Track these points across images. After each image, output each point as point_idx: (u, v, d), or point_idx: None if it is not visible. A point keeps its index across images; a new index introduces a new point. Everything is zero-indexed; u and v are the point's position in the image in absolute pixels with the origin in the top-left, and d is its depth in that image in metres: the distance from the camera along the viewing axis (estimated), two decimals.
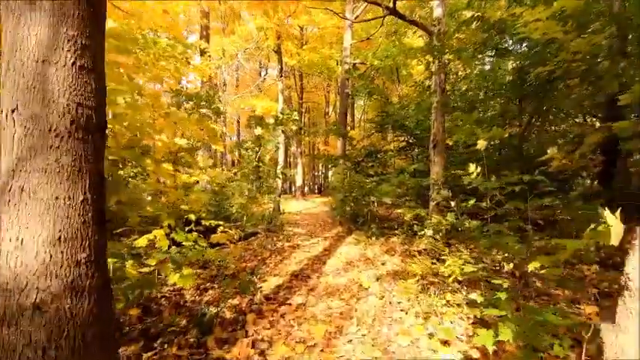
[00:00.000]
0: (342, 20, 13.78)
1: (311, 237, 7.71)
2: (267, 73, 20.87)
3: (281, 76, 11.65)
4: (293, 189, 22.58)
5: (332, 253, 5.90)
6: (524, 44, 6.50)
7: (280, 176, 11.60)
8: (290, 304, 3.49)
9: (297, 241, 7.17)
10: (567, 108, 5.81)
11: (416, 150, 8.06)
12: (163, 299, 3.81)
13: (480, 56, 6.47)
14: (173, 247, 3.40)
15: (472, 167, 4.02)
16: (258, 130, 4.53)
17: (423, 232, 4.71)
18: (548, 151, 4.52)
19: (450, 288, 3.35)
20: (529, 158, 5.60)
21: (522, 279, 3.59)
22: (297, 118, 4.90)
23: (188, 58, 11.37)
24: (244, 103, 14.89)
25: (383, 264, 4.86)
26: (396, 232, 7.59)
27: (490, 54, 6.60)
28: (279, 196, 11.80)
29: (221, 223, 4.34)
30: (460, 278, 3.15)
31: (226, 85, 14.71)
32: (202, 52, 13.19)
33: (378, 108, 13.96)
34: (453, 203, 4.37)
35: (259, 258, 5.64)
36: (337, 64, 16.61)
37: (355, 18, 11.18)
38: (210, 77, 13.81)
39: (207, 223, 4.28)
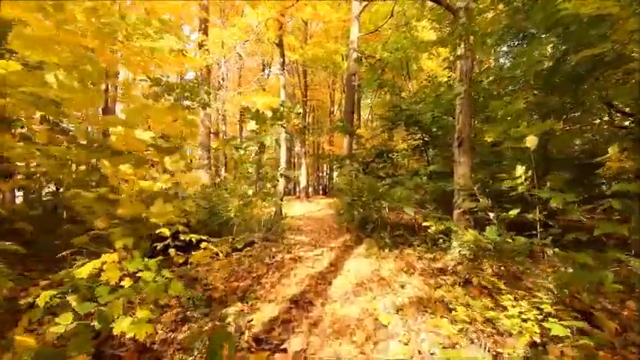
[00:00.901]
0: (348, 12, 12.95)
1: (315, 246, 6.88)
2: (270, 71, 20.08)
3: (283, 70, 10.84)
4: (297, 190, 21.73)
5: (339, 269, 5.06)
6: (556, 28, 5.61)
7: (281, 178, 10.79)
8: (285, 351, 2.66)
9: (299, 252, 6.34)
10: (619, 99, 4.91)
11: (431, 150, 7.19)
12: (126, 338, 3.00)
13: (506, 43, 5.59)
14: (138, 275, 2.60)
15: (520, 170, 3.17)
16: (252, 125, 3.73)
17: (451, 250, 3.86)
18: (610, 150, 3.64)
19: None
20: (576, 158, 4.72)
21: None
22: (300, 111, 4.09)
23: (183, 50, 10.57)
24: (245, 99, 14.12)
25: (402, 287, 4.00)
26: (411, 241, 6.75)
27: (514, 40, 5.74)
28: (282, 200, 11.00)
29: (204, 237, 3.55)
30: (538, 339, 2.27)
31: (224, 80, 13.94)
32: (200, 45, 12.43)
33: (389, 104, 13.12)
34: (492, 215, 3.51)
35: (254, 275, 4.82)
36: (343, 59, 15.79)
37: (364, 7, 10.34)
38: (209, 71, 13.06)
39: (188, 238, 3.50)
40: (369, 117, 24.25)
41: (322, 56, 13.79)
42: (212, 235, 7.24)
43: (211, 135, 23.67)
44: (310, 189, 36.38)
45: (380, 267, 4.99)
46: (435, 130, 6.63)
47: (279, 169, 11.27)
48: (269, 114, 3.80)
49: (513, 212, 3.44)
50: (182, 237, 3.51)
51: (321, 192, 31.76)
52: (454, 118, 6.97)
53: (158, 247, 4.47)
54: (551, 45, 4.99)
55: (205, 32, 12.82)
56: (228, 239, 6.88)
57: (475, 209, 3.94)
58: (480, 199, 3.54)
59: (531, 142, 3.23)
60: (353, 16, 11.85)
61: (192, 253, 3.52)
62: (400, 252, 5.85)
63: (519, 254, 3.18)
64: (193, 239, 3.52)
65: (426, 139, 6.83)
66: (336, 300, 3.80)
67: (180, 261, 3.63)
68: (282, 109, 4.01)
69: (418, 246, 6.23)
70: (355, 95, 13.52)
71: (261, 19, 11.52)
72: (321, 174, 36.10)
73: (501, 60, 7.26)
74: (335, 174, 28.96)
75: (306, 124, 21.92)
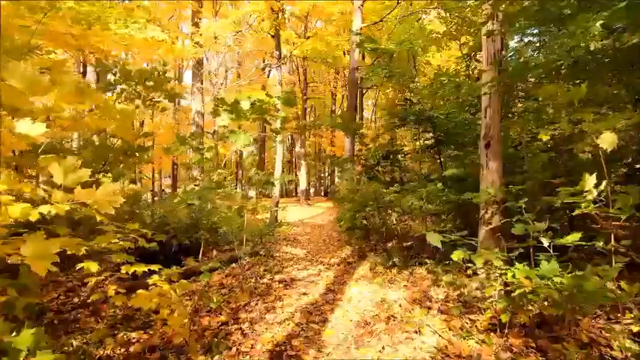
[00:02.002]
0: (350, 4, 12.02)
1: (311, 263, 5.95)
2: (270, 69, 19.17)
3: (279, 63, 9.92)
4: (298, 191, 20.73)
5: (338, 299, 4.13)
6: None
7: (276, 183, 9.89)
8: None
9: (292, 271, 5.41)
10: None
11: (443, 149, 6.23)
12: None
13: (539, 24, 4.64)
14: None
15: (589, 180, 2.23)
16: (223, 119, 2.82)
17: (479, 278, 2.95)
18: None
19: None
20: None
21: None
22: (290, 103, 3.15)
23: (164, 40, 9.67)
24: (239, 97, 13.18)
25: (418, 332, 3.06)
26: (423, 257, 5.82)
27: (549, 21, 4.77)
28: (277, 205, 10.09)
29: (155, 268, 2.64)
30: None
31: (217, 74, 13.06)
32: (191, 38, 11.56)
33: (392, 102, 12.16)
34: (545, 241, 2.57)
35: (232, 307, 3.89)
36: (344, 54, 14.87)
37: None
38: (200, 64, 12.17)
39: (132, 270, 2.60)
40: (372, 117, 23.28)
41: (322, 50, 12.85)
42: (191, 251, 6.35)
43: (211, 135, 22.71)
44: (312, 190, 35.47)
45: (388, 296, 4.05)
46: (451, 127, 5.69)
47: (276, 173, 10.36)
48: (245, 105, 2.89)
49: (574, 237, 2.50)
50: (123, 269, 2.61)
51: (322, 193, 30.86)
52: (473, 115, 6.03)
53: (90, 284, 3.58)
54: (601, 22, 4.00)
55: (197, 25, 11.95)
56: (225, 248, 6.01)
57: (510, 227, 2.99)
58: (538, 224, 2.59)
59: (608, 141, 2.29)
60: (355, 6, 10.92)
61: (137, 293, 2.61)
62: (411, 273, 4.91)
63: (589, 299, 2.24)
64: (137, 271, 2.62)
65: (440, 137, 5.89)
66: (331, 350, 2.86)
67: (118, 304, 2.73)
68: (265, 99, 3.09)
69: (432, 264, 5.30)
70: (358, 92, 12.59)
71: (256, 9, 10.63)
72: (322, 174, 35.19)
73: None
74: (337, 176, 28.07)
75: (306, 123, 21.02)
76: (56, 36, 4.21)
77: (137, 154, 3.87)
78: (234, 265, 5.75)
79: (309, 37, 13.99)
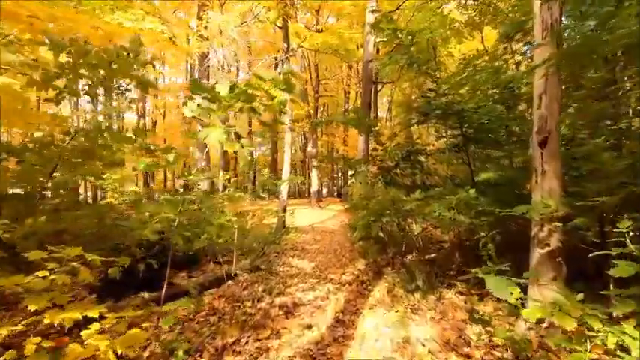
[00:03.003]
0: None
1: (319, 280, 5.16)
2: (279, 65, 18.45)
3: (287, 55, 9.17)
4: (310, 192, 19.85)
5: (349, 336, 3.32)
6: None
7: (284, 185, 9.15)
8: None
9: (296, 292, 4.63)
10: None
11: (473, 149, 5.32)
12: None
13: None
14: None
15: None
16: (192, 108, 2.08)
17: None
18: None
19: None
20: None
21: None
22: (289, 88, 2.35)
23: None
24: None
25: None
26: (451, 276, 4.96)
27: None
28: (285, 210, 9.33)
29: (95, 313, 1.92)
30: None
31: (223, 67, 12.44)
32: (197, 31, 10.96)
33: (413, 94, 11.29)
34: None
35: (217, 345, 3.14)
36: (358, 48, 14.00)
37: None
38: (204, 57, 11.57)
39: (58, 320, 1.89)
40: (387, 116, 22.26)
41: (334, 43, 12.02)
42: (185, 264, 5.65)
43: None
44: (325, 190, 34.59)
45: (412, 333, 3.22)
46: (483, 122, 4.79)
47: (284, 175, 9.62)
48: (223, 91, 2.13)
49: None
50: (47, 318, 1.88)
51: (335, 194, 30.01)
52: (508, 109, 5.11)
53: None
54: None
55: (201, 18, 11.33)
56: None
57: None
58: (633, 249, 1.72)
59: None
60: None
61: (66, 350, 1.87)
62: (439, 298, 4.06)
63: None
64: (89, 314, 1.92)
65: (469, 135, 4.99)
66: None
67: None
68: (253, 84, 2.32)
69: (464, 287, 4.43)
70: (372, 88, 11.73)
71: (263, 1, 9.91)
72: (335, 174, 34.33)
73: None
74: (350, 177, 27.16)
75: (318, 121, 20.24)
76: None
77: (104, 153, 3.16)
78: (230, 282, 5.02)
79: (320, 31, 13.20)
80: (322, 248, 7.59)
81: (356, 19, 13.62)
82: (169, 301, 4.38)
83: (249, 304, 4.19)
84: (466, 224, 3.74)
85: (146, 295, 4.44)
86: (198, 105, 2.12)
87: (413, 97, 10.18)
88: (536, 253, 3.02)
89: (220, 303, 4.26)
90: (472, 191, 4.16)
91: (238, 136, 2.37)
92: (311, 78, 17.42)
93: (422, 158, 5.18)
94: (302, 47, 10.42)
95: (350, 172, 8.57)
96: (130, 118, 29.26)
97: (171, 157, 2.38)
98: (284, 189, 9.19)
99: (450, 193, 4.39)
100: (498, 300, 4.11)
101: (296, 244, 7.95)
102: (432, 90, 4.70)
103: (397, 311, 3.77)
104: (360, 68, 19.26)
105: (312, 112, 17.15)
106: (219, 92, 2.14)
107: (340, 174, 33.18)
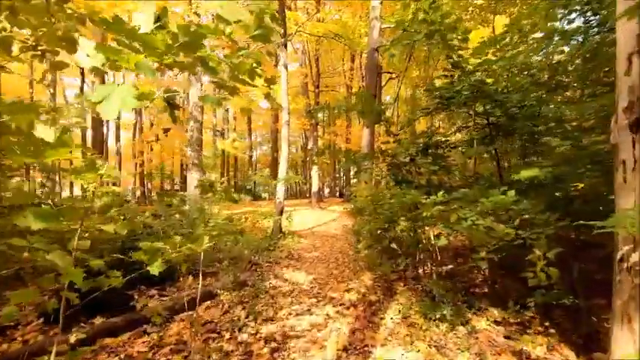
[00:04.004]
0: None
1: (317, 300, 4.26)
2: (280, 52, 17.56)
3: (284, 42, 8.27)
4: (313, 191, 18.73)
5: None
6: None
7: (280, 185, 8.26)
8: None
9: (288, 316, 3.73)
10: None
11: (502, 140, 4.39)
12: None
13: None
14: None
15: None
16: (89, 56, 1.24)
17: None
18: None
19: None
20: None
21: None
22: (264, 37, 1.48)
23: None
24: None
25: None
26: (478, 296, 4.09)
27: None
28: (282, 212, 8.43)
29: None
30: None
31: None
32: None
33: (423, 83, 10.39)
34: None
35: None
36: (361, 37, 13.08)
37: None
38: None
39: None
40: (392, 112, 21.18)
41: (338, 30, 11.10)
42: (154, 281, 4.76)
43: (217, 134, 21.12)
44: (326, 190, 33.65)
45: None
46: (516, 109, 3.88)
47: (280, 173, 8.72)
48: (147, 23, 1.26)
49: None
50: None
51: (337, 194, 29.12)
52: (550, 92, 4.19)
53: None
54: None
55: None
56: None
57: None
58: None
59: None
60: None
61: None
62: (470, 332, 3.15)
63: None
64: None
65: (501, 122, 4.07)
66: None
67: None
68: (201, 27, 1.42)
69: (500, 313, 3.52)
70: (378, 80, 10.80)
71: None
72: (337, 174, 33.43)
73: None
74: (353, 176, 26.18)
75: (320, 120, 19.37)
76: None
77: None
78: (209, 302, 4.13)
79: (321, 20, 12.30)
80: (322, 256, 6.69)
81: (359, 11, 12.70)
82: (128, 330, 3.51)
83: (227, 335, 3.30)
84: (510, 236, 2.82)
85: (99, 321, 3.57)
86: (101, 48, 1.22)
87: (427, 81, 9.23)
88: (625, 282, 2.11)
89: (191, 334, 3.37)
90: (511, 193, 3.25)
91: (172, 105, 1.49)
92: (311, 72, 16.52)
93: (443, 152, 4.27)
94: (300, 31, 9.53)
95: (352, 171, 7.65)
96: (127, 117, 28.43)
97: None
98: (280, 189, 8.29)
99: (479, 195, 3.48)
100: (546, 330, 3.22)
101: (293, 251, 7.05)
102: (457, 66, 3.79)
103: (418, 351, 2.87)
104: (362, 63, 18.34)
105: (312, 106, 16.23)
106: (137, 27, 1.25)
107: (342, 174, 32.27)
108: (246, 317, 3.65)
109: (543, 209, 2.87)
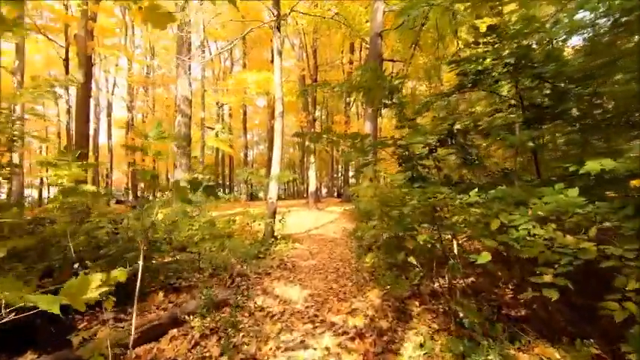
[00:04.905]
0: None
1: (313, 326, 3.39)
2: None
3: (277, 24, 7.40)
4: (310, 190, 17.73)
5: None
6: None
7: (272, 182, 7.41)
8: None
9: (274, 352, 2.86)
10: None
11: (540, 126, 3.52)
12: None
13: None
14: None
15: None
16: None
17: None
18: None
19: None
20: None
21: None
22: None
23: None
24: (231, 77, 10.75)
25: None
26: (517, 321, 3.27)
27: None
28: (274, 215, 7.55)
29: None
30: None
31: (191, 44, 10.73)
32: None
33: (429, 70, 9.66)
34: None
35: None
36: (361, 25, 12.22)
37: None
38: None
39: None
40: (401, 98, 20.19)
41: (339, 12, 10.23)
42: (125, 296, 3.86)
43: (205, 128, 20.19)
44: (324, 190, 32.76)
45: None
46: (574, 88, 3.04)
47: (273, 171, 7.84)
48: None
49: None
50: None
51: (335, 194, 28.29)
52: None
53: None
54: None
55: None
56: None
57: None
58: None
59: None
60: None
61: None
62: None
63: None
64: None
65: (544, 106, 3.22)
66: None
67: None
68: None
69: (550, 347, 2.68)
70: (380, 68, 9.93)
71: None
72: (335, 174, 32.58)
73: None
74: (351, 178, 25.29)
75: (316, 117, 18.51)
76: None
77: None
78: (176, 332, 3.25)
79: (318, 6, 11.44)
80: (320, 265, 5.83)
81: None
82: None
83: None
84: (589, 254, 1.97)
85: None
86: None
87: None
88: None
89: None
90: (573, 191, 2.41)
91: None
92: (309, 66, 15.64)
93: (473, 140, 3.41)
94: (296, 11, 8.66)
95: (353, 167, 6.75)
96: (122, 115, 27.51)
97: None
98: (273, 187, 7.42)
99: (526, 195, 2.64)
100: None
101: (286, 258, 6.18)
102: (494, 29, 2.93)
103: None
104: (362, 56, 17.50)
105: (310, 100, 15.38)
106: None
107: (340, 173, 31.39)
108: (221, 354, 2.78)
109: (633, 214, 2.02)
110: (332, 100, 20.17)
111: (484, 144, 3.71)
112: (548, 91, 3.17)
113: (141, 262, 2.22)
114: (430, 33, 9.39)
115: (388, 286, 4.17)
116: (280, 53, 7.87)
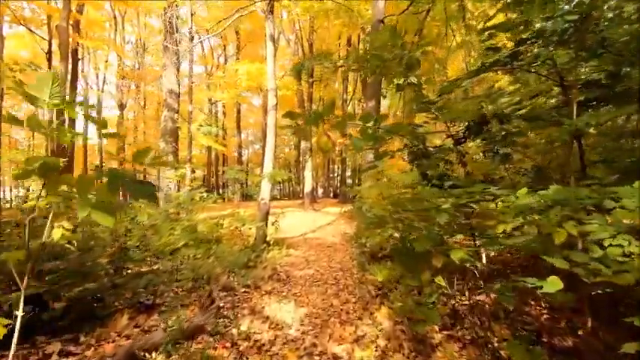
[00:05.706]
0: None
1: (311, 359, 2.69)
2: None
3: (269, 11, 6.71)
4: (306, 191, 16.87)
5: None
6: None
7: (265, 181, 6.71)
8: None
9: None
10: None
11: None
12: None
13: None
14: None
15: None
16: None
17: None
18: None
19: None
20: None
21: None
22: None
23: None
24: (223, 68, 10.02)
25: None
26: None
27: None
28: (267, 217, 6.83)
29: None
30: None
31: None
32: None
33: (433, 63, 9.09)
34: None
35: None
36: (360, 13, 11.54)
37: None
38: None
39: None
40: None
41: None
42: (65, 325, 3.06)
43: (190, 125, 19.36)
44: (320, 190, 31.99)
45: None
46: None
47: (266, 169, 7.12)
48: None
49: None
50: None
51: (332, 194, 27.58)
52: None
53: None
54: None
55: None
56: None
57: None
58: None
59: None
60: None
61: None
62: None
63: None
64: None
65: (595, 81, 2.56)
66: None
67: None
68: None
69: None
70: None
71: None
72: (331, 174, 31.86)
73: None
74: (348, 178, 24.57)
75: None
76: None
77: None
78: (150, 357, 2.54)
79: None
80: (317, 275, 5.13)
81: None
82: None
83: None
84: None
85: None
86: None
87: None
88: None
89: None
90: None
91: None
92: (304, 57, 14.93)
93: (510, 128, 2.74)
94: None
95: (349, 170, 6.07)
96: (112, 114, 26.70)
97: None
98: (265, 187, 6.71)
99: (598, 197, 1.98)
100: None
101: (280, 267, 5.48)
102: None
103: None
104: (363, 46, 16.79)
105: (306, 95, 14.69)
106: None
107: (337, 173, 30.66)
108: None
109: None
110: (328, 94, 19.42)
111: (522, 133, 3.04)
112: (608, 67, 2.50)
113: (21, 306, 1.48)
114: (435, 22, 8.74)
115: (398, 304, 3.49)
116: (273, 39, 7.16)
